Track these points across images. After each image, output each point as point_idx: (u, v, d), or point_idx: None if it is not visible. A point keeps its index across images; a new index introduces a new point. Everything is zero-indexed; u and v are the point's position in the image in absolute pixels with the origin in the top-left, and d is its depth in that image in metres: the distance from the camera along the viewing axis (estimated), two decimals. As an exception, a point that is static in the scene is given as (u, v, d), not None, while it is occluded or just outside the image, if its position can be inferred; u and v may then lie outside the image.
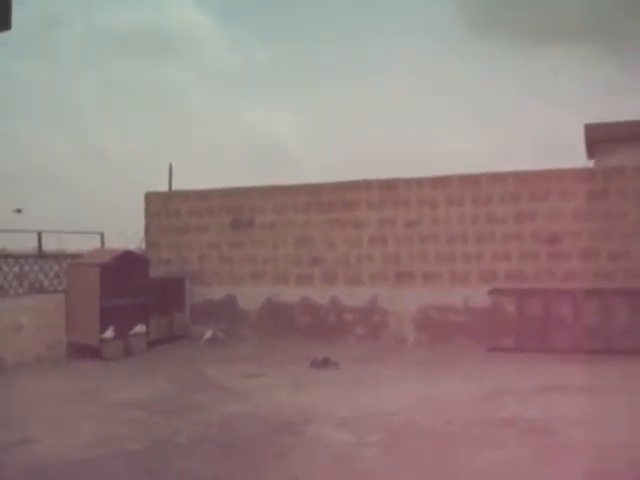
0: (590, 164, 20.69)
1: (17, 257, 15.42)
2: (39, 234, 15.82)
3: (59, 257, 16.07)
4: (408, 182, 15.65)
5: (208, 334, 16.42)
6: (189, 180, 18.14)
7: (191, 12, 36.65)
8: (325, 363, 12.58)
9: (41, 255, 15.65)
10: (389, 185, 15.80)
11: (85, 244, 17.29)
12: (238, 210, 17.10)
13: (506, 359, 13.06)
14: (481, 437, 7.58)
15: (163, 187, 18.61)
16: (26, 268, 15.22)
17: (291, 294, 16.41)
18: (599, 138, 20.01)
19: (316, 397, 10.07)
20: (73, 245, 17.43)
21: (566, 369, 11.82)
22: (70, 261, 15.53)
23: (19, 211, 17.42)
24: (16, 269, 15.01)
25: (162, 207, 17.90)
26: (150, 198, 18.11)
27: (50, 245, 16.38)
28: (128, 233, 18.57)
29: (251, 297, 16.73)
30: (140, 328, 15.03)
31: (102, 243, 17.29)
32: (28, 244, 16.77)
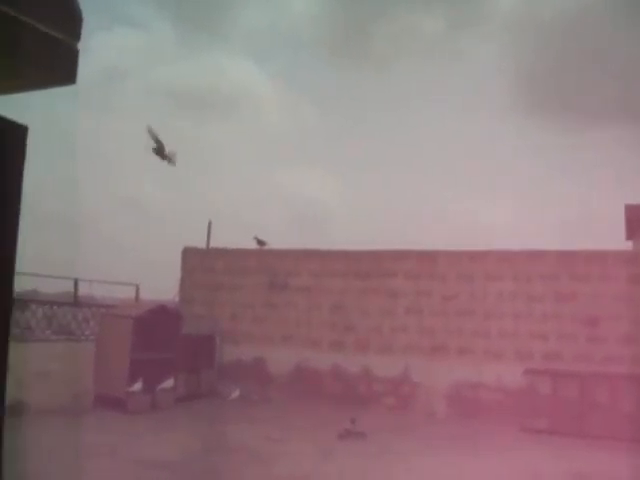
0: (629, 245, 20.38)
1: (51, 303, 15.44)
2: (76, 281, 15.84)
3: (92, 305, 16.06)
4: (447, 255, 15.54)
5: (235, 393, 16.23)
6: (227, 238, 18.15)
7: (251, 75, 37.22)
8: (352, 433, 12.31)
9: (76, 303, 15.66)
10: (427, 257, 15.69)
11: (119, 292, 17.33)
12: (273, 271, 17.07)
13: (539, 441, 12.67)
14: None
15: (201, 244, 18.63)
16: (59, 314, 15.19)
17: (322, 360, 16.20)
18: (639, 218, 19.70)
19: (342, 469, 9.82)
20: (108, 292, 17.45)
21: (602, 456, 11.37)
22: (104, 311, 15.51)
23: None
24: (42, 311, 14.91)
25: (199, 263, 17.94)
26: (188, 254, 18.18)
27: (82, 290, 16.36)
28: (163, 287, 18.58)
29: (281, 359, 16.55)
30: (168, 383, 14.89)
31: (137, 295, 17.30)
32: (58, 287, 16.77)
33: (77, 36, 2.96)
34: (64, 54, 2.76)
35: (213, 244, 18.54)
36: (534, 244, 15.30)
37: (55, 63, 2.71)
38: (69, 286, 16.05)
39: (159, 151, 15.86)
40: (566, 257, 14.65)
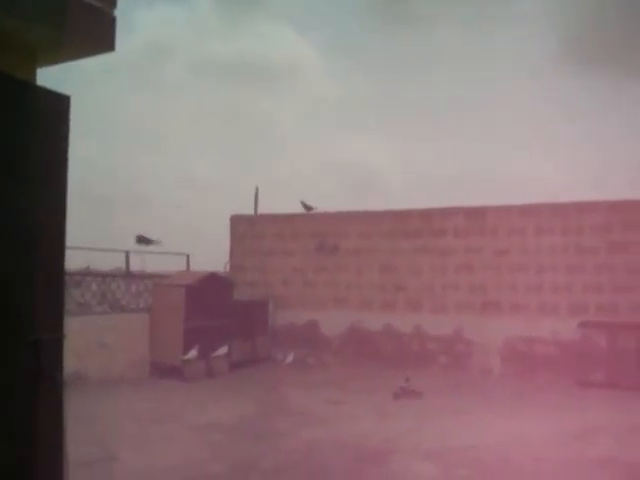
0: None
1: (104, 276, 15.69)
2: (127, 254, 16.07)
3: (144, 277, 16.28)
4: (496, 210, 15.35)
5: (290, 358, 16.40)
6: (275, 205, 18.26)
7: (294, 43, 36.70)
8: (408, 392, 12.35)
9: (128, 274, 15.90)
10: (477, 213, 15.51)
11: (170, 265, 17.50)
12: (323, 235, 17.08)
13: (596, 395, 12.53)
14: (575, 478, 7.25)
15: (249, 212, 18.73)
16: (113, 286, 15.42)
17: (374, 321, 16.23)
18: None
19: (399, 427, 9.87)
20: (159, 266, 17.64)
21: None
22: (156, 281, 15.73)
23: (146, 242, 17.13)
24: (95, 285, 15.17)
25: (248, 230, 18.04)
26: (236, 221, 18.28)
27: (133, 265, 16.58)
28: (213, 256, 18.72)
29: (334, 322, 16.62)
30: (222, 350, 15.08)
31: (188, 265, 17.48)
32: (110, 264, 17.02)
33: (113, 3, 2.96)
34: (102, 21, 2.75)
35: (268, 213, 18.56)
36: (585, 195, 14.98)
37: (94, 31, 2.71)
38: (120, 262, 16.30)
39: (143, 240, 16.68)
40: (617, 207, 14.34)
